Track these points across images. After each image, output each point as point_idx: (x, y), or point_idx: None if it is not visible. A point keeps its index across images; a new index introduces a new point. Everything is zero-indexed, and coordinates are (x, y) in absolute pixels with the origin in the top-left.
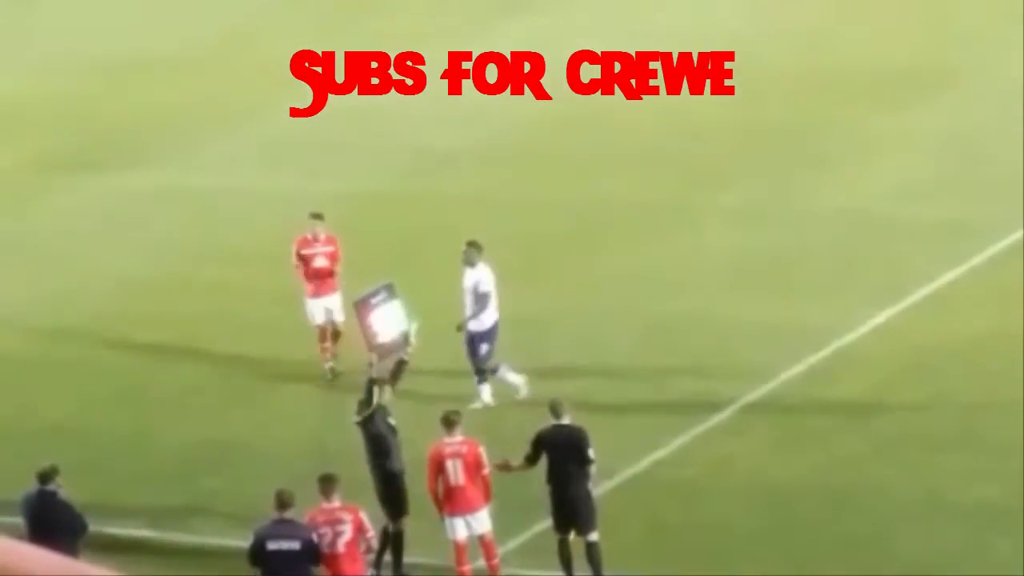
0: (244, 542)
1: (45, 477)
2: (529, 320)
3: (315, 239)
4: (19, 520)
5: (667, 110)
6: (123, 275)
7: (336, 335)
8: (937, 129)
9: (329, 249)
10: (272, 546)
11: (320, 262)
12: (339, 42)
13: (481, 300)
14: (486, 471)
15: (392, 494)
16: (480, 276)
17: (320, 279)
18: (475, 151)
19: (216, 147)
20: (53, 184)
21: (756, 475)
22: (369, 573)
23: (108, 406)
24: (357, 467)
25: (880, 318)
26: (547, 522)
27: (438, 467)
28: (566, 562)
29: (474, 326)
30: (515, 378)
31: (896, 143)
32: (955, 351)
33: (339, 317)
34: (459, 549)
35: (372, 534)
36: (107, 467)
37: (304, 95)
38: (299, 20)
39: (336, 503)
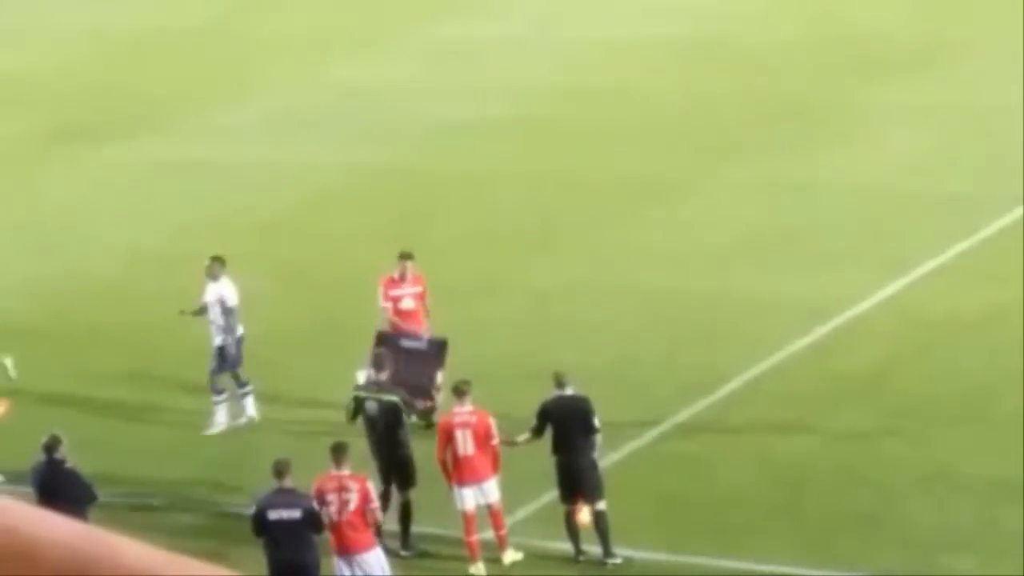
0: (247, 511)
1: (50, 447)
2: (538, 292)
3: (402, 279)
4: (29, 490)
5: (678, 83)
6: (131, 247)
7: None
8: (947, 102)
9: (417, 290)
10: (273, 515)
11: (407, 304)
12: (351, 12)
13: (227, 314)
14: (495, 441)
15: (399, 464)
16: (224, 290)
17: (406, 321)
18: (485, 124)
19: (225, 119)
20: (62, 156)
21: (764, 448)
22: (403, 554)
23: (118, 376)
24: (361, 440)
25: (889, 291)
26: (554, 492)
27: (447, 437)
28: (573, 533)
29: (220, 340)
30: (251, 406)
31: (906, 116)
32: (964, 324)
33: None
34: (467, 519)
35: (376, 505)
36: (113, 439)
37: (306, 67)
38: None
39: (345, 471)
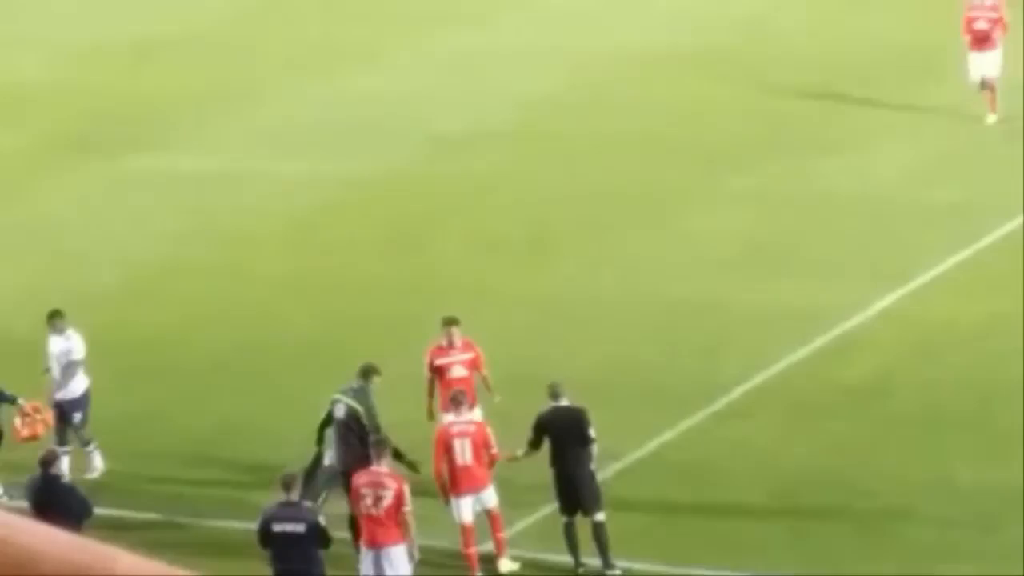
0: (253, 524)
1: (47, 461)
2: (538, 303)
3: (450, 346)
4: (25, 504)
5: (676, 94)
6: (130, 257)
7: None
8: (944, 112)
9: (468, 356)
10: (277, 528)
11: (458, 372)
12: (351, 22)
13: (71, 369)
14: (494, 451)
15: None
16: (71, 344)
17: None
18: (484, 135)
19: (224, 130)
20: (60, 167)
21: (764, 458)
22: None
23: (115, 388)
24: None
25: (888, 301)
26: (553, 505)
27: (446, 447)
28: (573, 545)
29: (63, 395)
30: (98, 460)
31: (904, 126)
32: (963, 333)
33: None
34: (466, 531)
35: (410, 508)
36: (116, 449)
37: (311, 78)
38: (312, 3)
39: (383, 468)
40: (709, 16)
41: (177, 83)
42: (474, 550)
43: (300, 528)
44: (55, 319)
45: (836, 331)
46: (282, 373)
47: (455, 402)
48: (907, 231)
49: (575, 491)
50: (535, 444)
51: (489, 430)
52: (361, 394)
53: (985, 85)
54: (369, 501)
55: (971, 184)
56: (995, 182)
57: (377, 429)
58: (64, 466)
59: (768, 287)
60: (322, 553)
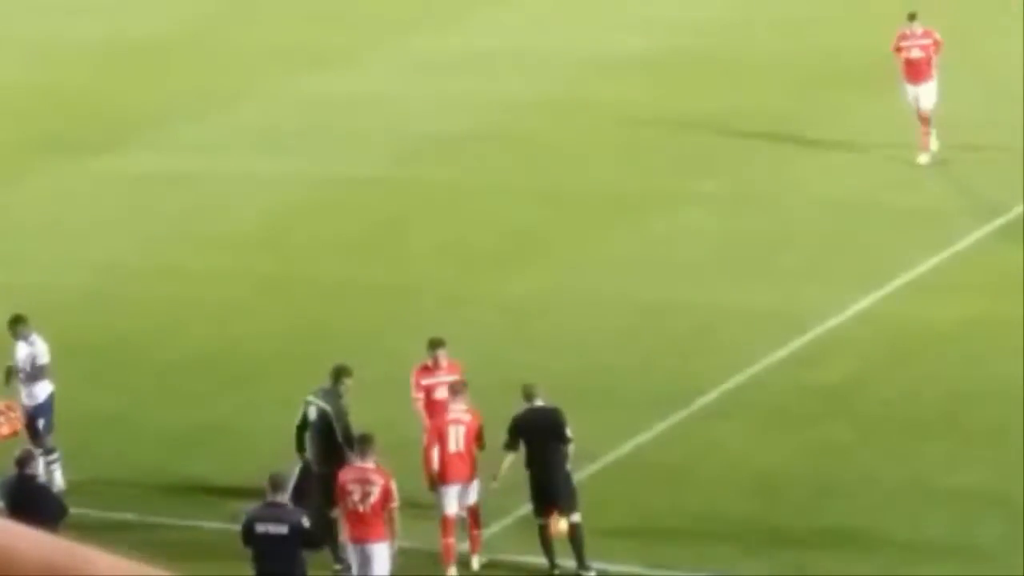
0: (228, 524)
1: (23, 461)
2: (513, 305)
3: (436, 367)
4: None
5: (653, 96)
6: (109, 258)
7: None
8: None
9: (453, 378)
10: (260, 528)
11: (442, 393)
12: (326, 25)
13: (36, 373)
14: (481, 445)
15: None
16: (34, 349)
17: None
18: (459, 137)
19: (200, 131)
20: (39, 168)
21: (740, 460)
22: (336, 567)
23: (88, 390)
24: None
25: (864, 303)
26: (529, 507)
27: (439, 434)
28: (548, 546)
29: (28, 401)
30: (58, 477)
31: (880, 129)
32: (939, 336)
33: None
34: (447, 522)
35: (396, 504)
36: (89, 450)
37: (286, 79)
38: (284, 5)
39: (370, 464)
40: (682, 19)
41: (151, 84)
42: (452, 540)
43: (283, 529)
44: (18, 325)
45: (811, 333)
46: (256, 374)
47: (453, 391)
48: (882, 234)
49: (552, 492)
50: (511, 446)
51: (481, 423)
52: (332, 395)
53: (921, 119)
54: (356, 497)
55: (948, 187)
56: (970, 186)
57: (345, 430)
58: (40, 467)
59: (744, 289)
60: (304, 557)
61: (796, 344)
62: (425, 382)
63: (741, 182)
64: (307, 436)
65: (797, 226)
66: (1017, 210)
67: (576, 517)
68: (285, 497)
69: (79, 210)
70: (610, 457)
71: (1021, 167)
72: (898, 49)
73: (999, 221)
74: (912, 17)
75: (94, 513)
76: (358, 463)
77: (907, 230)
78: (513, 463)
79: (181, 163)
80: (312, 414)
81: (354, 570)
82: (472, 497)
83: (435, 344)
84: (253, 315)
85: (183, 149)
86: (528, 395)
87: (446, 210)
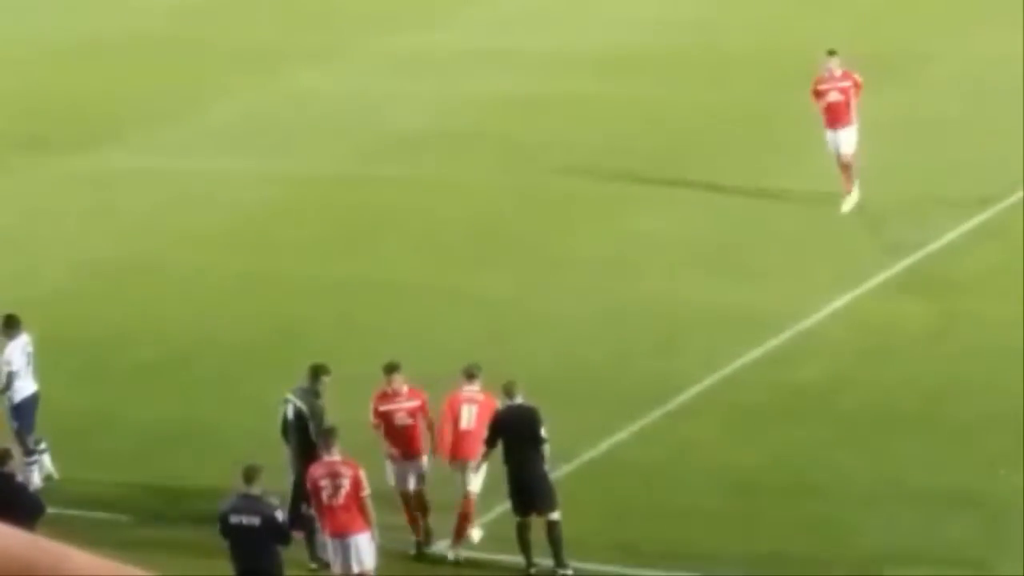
0: (205, 523)
1: (0, 460)
2: (489, 303)
3: (395, 393)
4: None
5: (629, 94)
6: (82, 256)
7: (423, 506)
8: (896, 114)
9: (413, 403)
10: (234, 520)
11: (402, 419)
12: (301, 22)
13: (19, 373)
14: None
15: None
16: (25, 344)
17: (405, 440)
18: (437, 134)
19: (175, 129)
20: (12, 166)
21: (716, 459)
22: (310, 564)
23: (68, 386)
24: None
25: (840, 302)
26: (506, 505)
27: (453, 412)
28: (525, 545)
29: (17, 398)
30: (36, 477)
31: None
32: (914, 335)
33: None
34: (468, 502)
35: (368, 492)
36: (67, 448)
37: (261, 77)
38: (260, 3)
39: (336, 456)
40: (661, 18)
41: (125, 82)
42: (473, 510)
43: (255, 521)
44: (8, 326)
45: (788, 332)
46: (232, 372)
47: (468, 375)
48: (858, 233)
49: (529, 491)
50: (491, 443)
51: (497, 404)
52: (308, 394)
53: (842, 166)
54: (329, 491)
55: (923, 186)
56: (945, 185)
57: (319, 428)
58: (47, 463)
59: (720, 288)
60: (279, 549)
61: (772, 343)
62: (383, 408)
63: (717, 181)
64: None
65: (772, 225)
66: (993, 209)
67: (555, 515)
68: (258, 489)
69: (55, 209)
70: (586, 456)
71: (995, 168)
72: (816, 92)
73: (975, 220)
74: (831, 53)
75: (71, 511)
76: (325, 457)
77: (883, 228)
78: (487, 454)
79: (157, 161)
80: (290, 412)
81: (336, 566)
82: (474, 484)
83: (390, 369)
84: (228, 313)
85: (158, 147)
86: (508, 392)
87: (422, 208)
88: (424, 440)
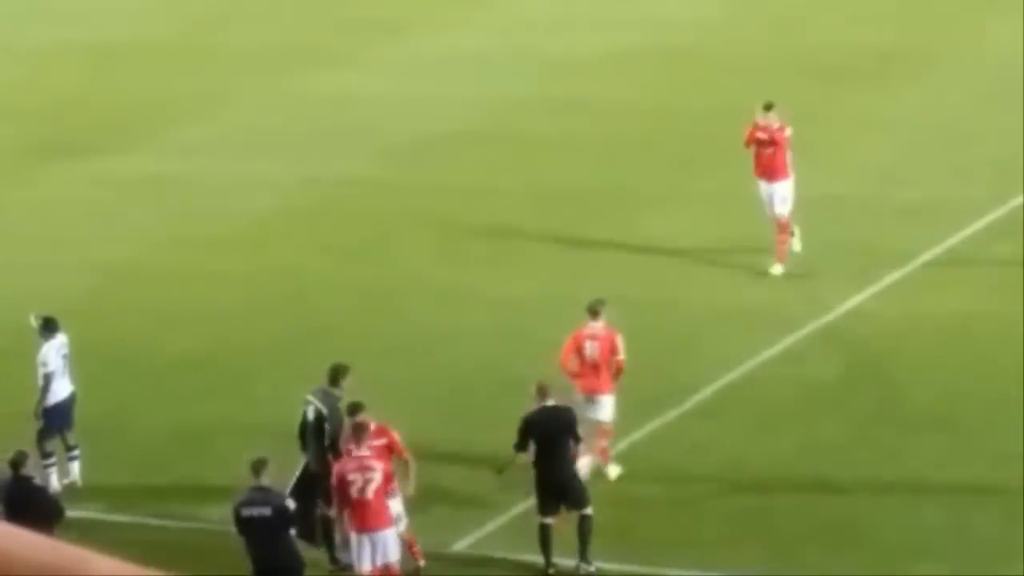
0: (222, 526)
1: (17, 463)
2: (504, 305)
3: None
4: None
5: (642, 94)
6: (101, 260)
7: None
8: (912, 111)
9: (380, 442)
10: (246, 512)
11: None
12: (314, 28)
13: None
14: (621, 356)
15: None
16: (61, 346)
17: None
18: (451, 137)
19: (191, 133)
20: (31, 171)
21: (733, 458)
22: (329, 567)
23: (88, 388)
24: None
25: (856, 300)
26: (524, 504)
27: (577, 346)
28: (546, 545)
29: (52, 400)
30: (54, 480)
31: (871, 125)
32: (932, 332)
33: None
34: (605, 432)
35: (396, 487)
36: (87, 451)
37: (278, 80)
38: (274, 6)
39: (366, 451)
40: (674, 17)
41: (140, 86)
42: (605, 444)
43: (266, 511)
44: (48, 327)
45: (805, 330)
46: (249, 375)
47: (592, 312)
48: (874, 231)
49: (561, 490)
50: (522, 445)
51: (619, 338)
52: (328, 396)
53: (778, 225)
54: (359, 486)
55: (939, 183)
56: (963, 181)
57: (335, 432)
58: (54, 479)
59: (736, 287)
60: (294, 540)
61: (789, 341)
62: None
63: (731, 179)
64: (307, 436)
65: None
66: (1011, 204)
67: (588, 510)
68: (268, 480)
69: (71, 213)
70: None
71: (1010, 166)
72: (749, 142)
73: (993, 216)
74: (768, 108)
75: (90, 515)
76: (355, 452)
77: (898, 226)
78: (515, 456)
79: (174, 165)
80: (310, 414)
81: (363, 561)
82: (605, 412)
83: (353, 410)
84: (248, 315)
85: (176, 151)
86: (542, 393)
87: (437, 210)
88: (395, 480)
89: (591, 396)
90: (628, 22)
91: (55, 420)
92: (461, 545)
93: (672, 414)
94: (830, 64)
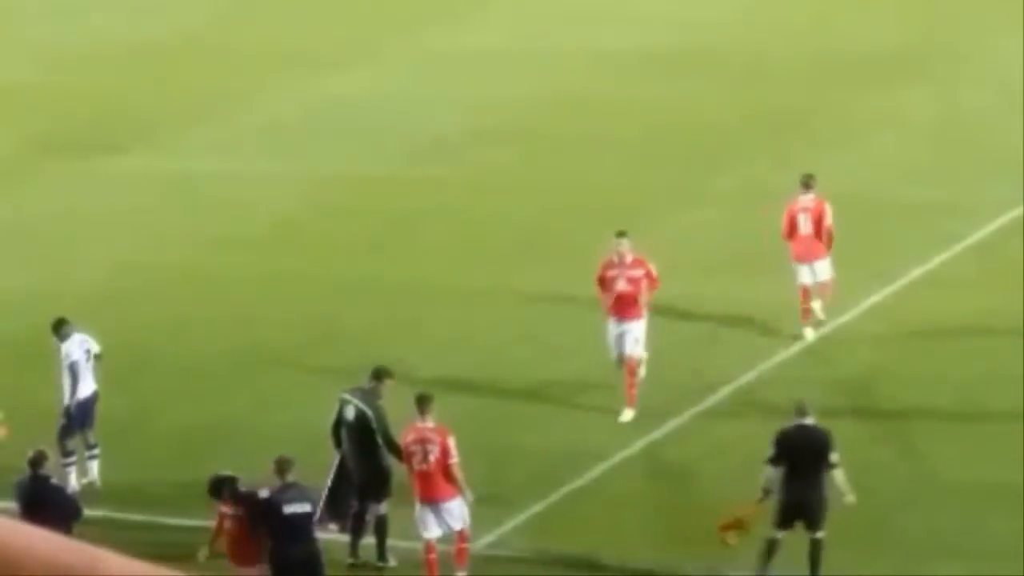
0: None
1: (36, 462)
2: (526, 302)
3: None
4: (13, 505)
5: (664, 93)
6: (118, 259)
7: (632, 371)
8: (931, 111)
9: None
10: (288, 509)
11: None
12: (335, 24)
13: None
14: (828, 222)
15: (371, 475)
16: (82, 341)
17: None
18: (471, 135)
19: (211, 132)
20: (49, 169)
21: (753, 457)
22: (347, 560)
23: (106, 387)
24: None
25: (876, 298)
26: (536, 505)
27: (791, 220)
28: (766, 556)
29: (75, 397)
30: (72, 478)
31: (890, 125)
32: (951, 330)
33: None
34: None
35: (455, 460)
36: (105, 450)
37: (297, 79)
38: (293, 3)
39: (429, 423)
40: (690, 16)
41: (161, 85)
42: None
43: (307, 507)
44: (64, 327)
45: (824, 330)
46: (270, 373)
47: (805, 184)
48: (894, 229)
49: (803, 511)
50: (776, 461)
51: (828, 206)
52: (371, 396)
53: (628, 370)
54: (419, 457)
55: (959, 181)
56: (982, 179)
57: (386, 431)
58: (72, 478)
59: (755, 286)
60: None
61: (809, 341)
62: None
63: (753, 179)
64: (343, 434)
65: None
66: None
67: (820, 534)
68: (294, 477)
69: (93, 212)
70: (622, 454)
71: None
72: (601, 280)
73: (1010, 215)
74: (621, 235)
75: (108, 514)
76: (419, 423)
77: (918, 225)
78: (769, 473)
79: (193, 164)
80: (349, 414)
81: (429, 530)
82: (825, 273)
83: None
84: (266, 314)
85: (195, 150)
86: (800, 411)
87: (458, 208)
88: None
89: (809, 264)
90: (652, 21)
91: (77, 418)
92: (480, 544)
93: (691, 413)
94: (853, 64)
